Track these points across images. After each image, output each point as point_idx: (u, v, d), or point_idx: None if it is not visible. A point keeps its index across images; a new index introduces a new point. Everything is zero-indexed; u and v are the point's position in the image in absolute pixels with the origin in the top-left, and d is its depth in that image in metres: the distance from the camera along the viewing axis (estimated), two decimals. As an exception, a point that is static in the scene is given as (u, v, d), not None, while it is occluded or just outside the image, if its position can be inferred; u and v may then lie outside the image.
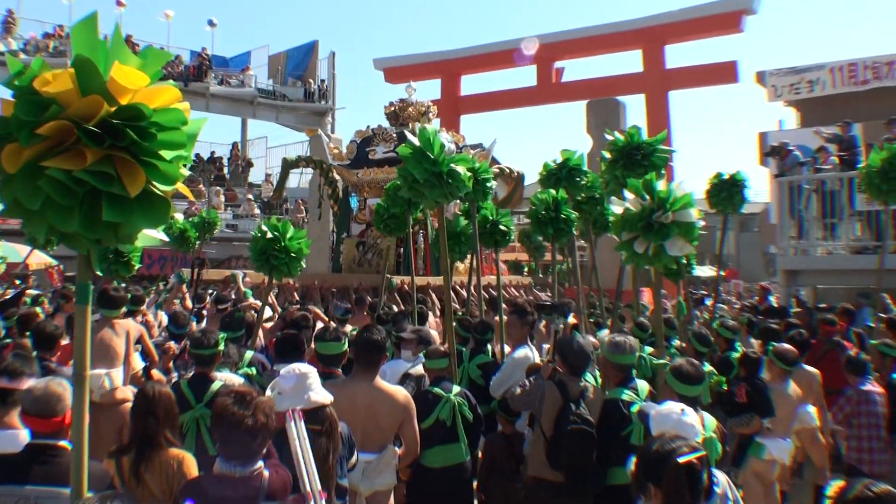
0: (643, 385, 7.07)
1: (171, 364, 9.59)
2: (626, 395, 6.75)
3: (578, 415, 6.51)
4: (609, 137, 9.19)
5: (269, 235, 9.18)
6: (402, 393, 6.63)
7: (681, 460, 3.92)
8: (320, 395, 5.43)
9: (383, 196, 13.14)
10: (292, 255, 9.28)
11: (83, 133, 3.21)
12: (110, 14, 45.70)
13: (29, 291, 18.91)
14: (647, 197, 6.83)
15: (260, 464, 4.42)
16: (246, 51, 47.90)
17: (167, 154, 3.45)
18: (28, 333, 9.21)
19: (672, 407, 5.10)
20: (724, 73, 35.20)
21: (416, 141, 7.67)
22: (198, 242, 17.66)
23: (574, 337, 7.28)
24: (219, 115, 44.00)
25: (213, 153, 45.91)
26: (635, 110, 28.05)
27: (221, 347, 7.30)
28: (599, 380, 8.10)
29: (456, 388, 7.56)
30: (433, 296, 15.59)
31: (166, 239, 3.82)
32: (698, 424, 5.03)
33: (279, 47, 48.02)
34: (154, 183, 3.45)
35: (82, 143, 3.22)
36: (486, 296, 15.60)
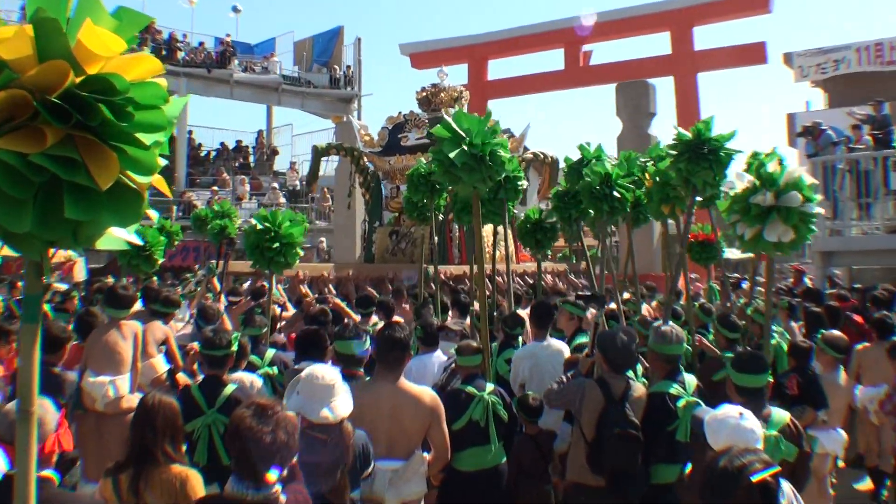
0: (691, 379, 6.82)
1: (195, 366, 9.13)
2: (674, 388, 6.50)
3: (623, 417, 6.21)
4: (675, 130, 8.87)
5: (259, 227, 8.83)
6: (428, 394, 6.13)
7: (754, 479, 3.59)
8: (337, 411, 5.01)
9: (406, 183, 12.85)
10: (287, 244, 8.89)
11: (42, 106, 2.46)
12: (134, 2, 45.51)
13: (57, 286, 18.75)
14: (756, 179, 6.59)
15: (277, 487, 3.91)
16: (271, 37, 47.73)
17: (144, 138, 2.79)
18: None
19: (729, 411, 4.76)
20: (753, 53, 34.82)
21: (451, 122, 7.34)
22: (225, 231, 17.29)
23: (617, 331, 6.83)
24: (243, 103, 43.93)
25: (239, 142, 45.96)
26: (664, 92, 27.76)
27: (235, 348, 6.96)
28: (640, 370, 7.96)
29: (490, 387, 7.18)
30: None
31: (137, 241, 3.23)
32: (759, 429, 4.71)
33: (304, 33, 47.94)
34: (128, 173, 2.79)
35: (40, 120, 2.48)
36: (522, 284, 15.38)
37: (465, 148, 7.07)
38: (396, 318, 10.87)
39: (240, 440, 3.82)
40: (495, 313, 10.67)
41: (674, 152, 8.44)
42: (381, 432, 5.75)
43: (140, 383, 8.42)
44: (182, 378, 8.79)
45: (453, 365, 7.80)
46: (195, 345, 9.32)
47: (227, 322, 10.41)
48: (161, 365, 8.81)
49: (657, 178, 9.56)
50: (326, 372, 5.18)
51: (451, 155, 6.97)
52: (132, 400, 7.56)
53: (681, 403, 6.32)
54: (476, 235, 8.11)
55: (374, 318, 11.20)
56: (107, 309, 8.48)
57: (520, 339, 9.48)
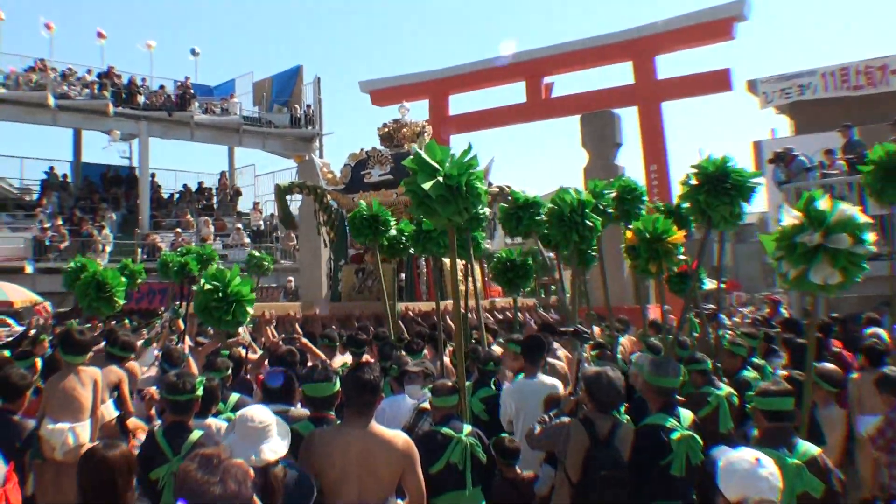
0: (686, 414, 6.56)
1: (152, 411, 8.85)
2: (669, 422, 6.25)
3: (610, 458, 5.96)
4: (699, 158, 8.64)
5: (207, 287, 8.52)
6: (401, 438, 5.70)
7: None
8: (263, 455, 4.91)
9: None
10: (235, 302, 8.58)
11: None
12: (93, 46, 45.35)
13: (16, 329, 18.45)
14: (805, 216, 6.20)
15: None
16: (230, 79, 47.69)
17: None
18: None
19: (744, 455, 4.47)
20: (718, 81, 34.71)
21: (423, 154, 7.05)
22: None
23: (602, 369, 6.51)
24: (205, 144, 43.83)
25: (201, 183, 46.04)
26: (629, 123, 27.75)
27: (200, 392, 6.61)
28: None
29: (467, 428, 6.82)
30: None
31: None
32: (776, 479, 4.42)
33: (263, 74, 47.83)
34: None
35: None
36: (492, 319, 15.13)
37: (441, 179, 6.80)
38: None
39: (186, 493, 3.52)
40: (480, 348, 10.35)
41: (693, 182, 8.26)
42: (351, 479, 5.44)
43: None
44: (133, 423, 8.48)
45: (421, 405, 7.57)
46: (153, 389, 9.06)
47: (192, 365, 10.11)
48: (110, 411, 8.44)
49: (645, 234, 9.30)
50: (260, 413, 5.13)
51: (426, 187, 6.69)
52: None
53: (675, 436, 6.10)
54: (451, 270, 7.84)
55: (346, 358, 10.86)
56: (63, 355, 8.09)
57: (493, 377, 9.19)
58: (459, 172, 6.87)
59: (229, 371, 8.76)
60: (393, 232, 12.45)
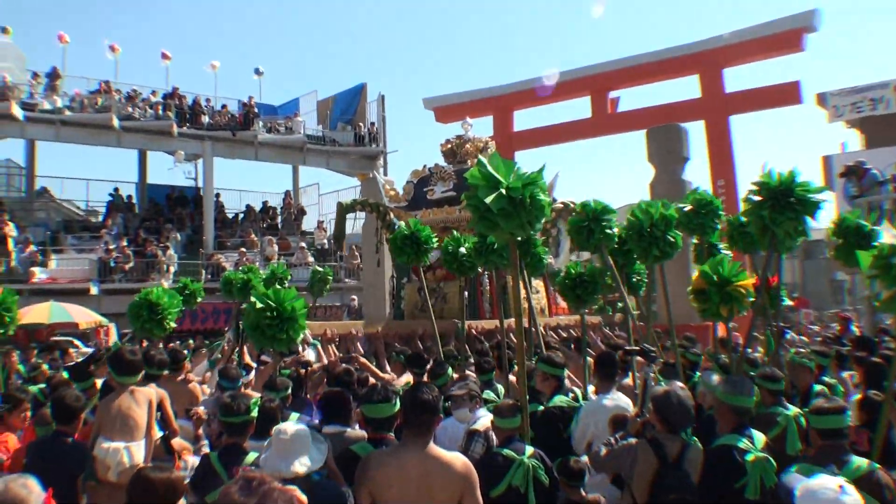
0: (759, 436, 6.29)
1: (200, 431, 8.75)
2: (742, 442, 5.98)
3: (679, 481, 5.71)
4: (762, 172, 8.34)
5: (259, 306, 8.29)
6: (460, 460, 5.47)
7: None
8: (304, 465, 5.09)
9: (448, 237, 12.36)
10: (288, 320, 8.34)
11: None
12: (158, 67, 45.79)
13: (84, 350, 18.41)
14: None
15: None
16: (294, 98, 48.07)
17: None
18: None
19: (826, 482, 4.13)
20: (787, 94, 34.27)
21: (487, 165, 6.77)
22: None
23: (671, 388, 6.25)
24: (269, 164, 43.94)
25: (265, 203, 46.51)
26: (695, 137, 27.37)
27: (255, 414, 6.51)
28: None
29: (529, 449, 6.53)
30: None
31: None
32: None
33: (327, 92, 48.01)
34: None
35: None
36: (556, 337, 14.83)
37: (503, 192, 6.52)
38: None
39: None
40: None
41: (756, 198, 7.98)
42: (408, 502, 5.21)
43: None
44: (176, 443, 8.29)
45: (472, 427, 7.42)
46: (200, 409, 9.03)
47: (251, 385, 10.01)
48: (154, 431, 8.24)
49: (713, 277, 8.97)
50: (293, 428, 5.26)
51: (487, 200, 6.41)
52: None
53: (749, 458, 5.83)
54: (513, 285, 7.57)
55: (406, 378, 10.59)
56: (115, 376, 7.88)
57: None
58: (523, 185, 6.59)
59: (289, 391, 8.59)
60: (462, 251, 12.11)
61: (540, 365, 8.95)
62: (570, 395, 8.85)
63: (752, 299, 9.21)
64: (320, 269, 19.53)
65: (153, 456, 7.82)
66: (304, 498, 3.56)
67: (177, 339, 22.40)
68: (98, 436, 7.51)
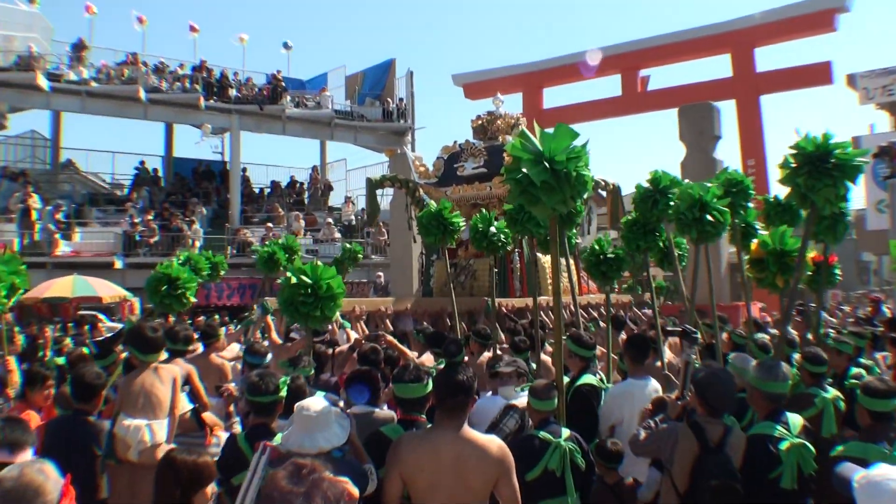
0: (796, 419, 6.17)
1: (231, 408, 8.69)
2: (778, 430, 5.90)
3: (721, 466, 5.54)
4: (797, 137, 8.19)
5: (294, 281, 8.11)
6: (496, 444, 5.30)
7: None
8: (328, 440, 5.08)
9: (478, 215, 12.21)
10: (324, 298, 8.12)
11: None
12: (186, 40, 45.78)
13: (111, 325, 18.35)
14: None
15: None
16: (322, 72, 47.94)
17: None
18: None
19: (888, 472, 3.87)
20: (819, 74, 34.11)
21: (533, 137, 6.59)
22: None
23: (714, 370, 6.18)
24: (296, 139, 43.99)
25: (292, 178, 46.44)
26: (725, 116, 27.13)
27: (283, 393, 6.34)
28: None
29: (566, 432, 6.31)
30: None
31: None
32: None
33: (356, 67, 47.90)
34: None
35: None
36: (586, 316, 14.71)
37: (547, 165, 6.34)
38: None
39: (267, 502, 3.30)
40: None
41: (793, 164, 7.81)
42: (441, 487, 5.09)
43: None
44: (208, 417, 8.12)
45: (510, 402, 7.25)
46: (231, 386, 8.97)
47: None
48: (184, 404, 8.09)
49: (774, 247, 8.82)
50: (317, 404, 5.23)
51: (531, 173, 6.24)
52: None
53: (784, 446, 5.77)
54: (553, 262, 7.34)
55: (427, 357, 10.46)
56: (135, 353, 7.67)
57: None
58: (567, 158, 6.42)
59: (312, 370, 8.48)
60: (493, 229, 11.95)
61: (568, 342, 8.83)
62: (598, 375, 8.73)
63: (809, 273, 9.12)
64: (349, 245, 19.46)
65: (184, 430, 7.70)
66: (355, 491, 3.46)
67: (202, 315, 22.35)
68: (119, 413, 7.33)
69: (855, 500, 3.89)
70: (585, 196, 7.12)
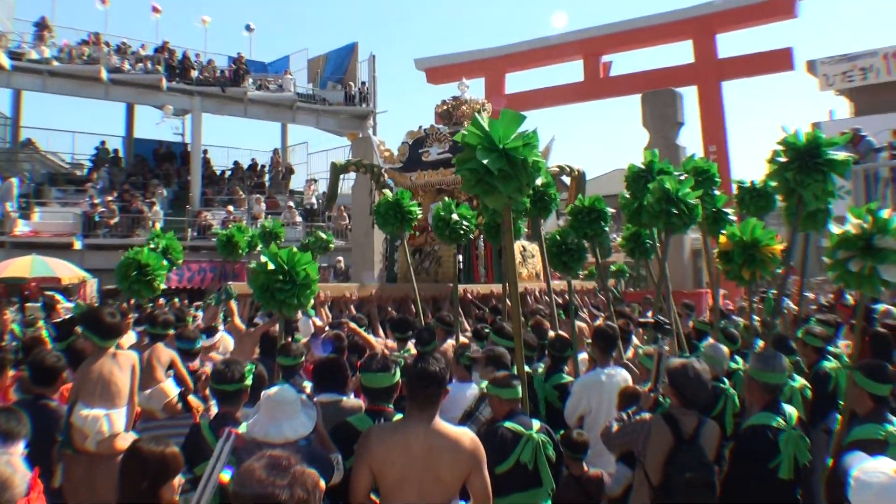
0: (791, 410, 6.18)
1: (207, 391, 8.43)
2: (776, 421, 5.89)
3: (695, 458, 5.54)
4: (783, 134, 8.26)
5: (271, 267, 8.02)
6: (467, 436, 5.19)
7: None
8: (294, 430, 5.09)
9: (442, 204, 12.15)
10: (300, 285, 8.08)
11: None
12: (148, 21, 45.40)
13: (69, 306, 18.19)
14: (869, 220, 6.33)
15: None
16: (284, 55, 47.77)
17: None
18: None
19: (881, 466, 3.76)
20: (780, 60, 34.29)
21: (484, 124, 6.52)
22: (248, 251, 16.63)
23: (688, 361, 6.09)
24: (258, 121, 43.74)
25: (253, 160, 46.24)
26: (688, 102, 27.20)
27: (249, 382, 6.22)
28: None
29: (536, 423, 6.24)
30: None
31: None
32: None
33: (318, 50, 47.66)
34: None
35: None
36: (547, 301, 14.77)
37: (501, 153, 6.29)
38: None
39: (248, 496, 3.17)
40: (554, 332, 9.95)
41: (781, 159, 7.89)
42: (412, 480, 5.01)
43: (151, 408, 7.80)
44: (193, 401, 8.07)
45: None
46: (207, 369, 8.80)
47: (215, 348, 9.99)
48: (172, 388, 8.03)
49: (742, 239, 9.07)
50: (283, 392, 5.23)
51: (486, 161, 6.18)
52: (127, 440, 6.58)
53: (783, 437, 5.78)
54: (507, 251, 7.31)
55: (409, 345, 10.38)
56: (94, 338, 7.50)
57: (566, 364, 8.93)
58: (522, 144, 6.38)
59: (303, 357, 8.28)
60: (455, 217, 11.89)
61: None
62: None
63: (779, 267, 9.20)
64: (323, 235, 19.46)
65: (172, 414, 7.68)
66: (321, 482, 3.42)
67: (161, 297, 22.18)
68: (76, 402, 7.12)
69: (849, 495, 3.88)
70: (539, 181, 7.16)
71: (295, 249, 8.26)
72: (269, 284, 7.97)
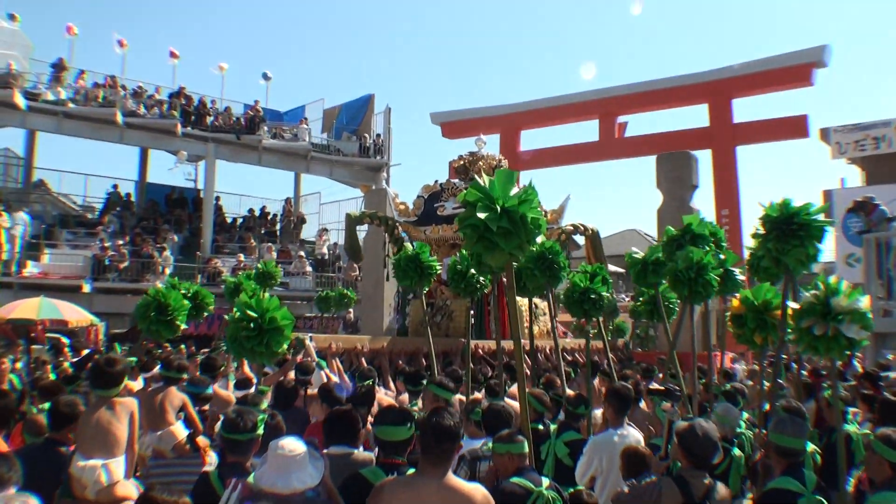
0: (811, 476, 6.09)
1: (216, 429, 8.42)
2: (796, 486, 5.84)
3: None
4: (761, 207, 8.32)
5: (238, 315, 7.85)
6: (480, 493, 5.15)
7: None
8: (302, 481, 5.02)
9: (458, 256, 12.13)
10: (269, 330, 7.84)
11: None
12: (165, 66, 45.55)
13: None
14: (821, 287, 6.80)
15: None
16: (300, 105, 47.92)
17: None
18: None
19: None
20: (795, 127, 34.31)
21: (485, 183, 6.53)
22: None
23: (696, 421, 6.11)
24: (271, 170, 43.86)
25: (264, 208, 46.20)
26: (702, 165, 27.20)
27: (261, 431, 6.10)
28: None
29: (545, 480, 6.09)
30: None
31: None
32: None
33: (334, 101, 47.78)
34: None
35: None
36: (565, 360, 14.69)
37: (501, 211, 6.29)
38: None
39: None
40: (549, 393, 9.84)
41: (761, 231, 7.99)
42: (424, 539, 4.88)
43: (161, 449, 7.92)
44: (202, 441, 7.95)
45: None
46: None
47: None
48: (181, 430, 8.12)
49: (753, 303, 9.06)
50: (290, 443, 5.16)
51: (485, 217, 6.17)
52: (127, 487, 6.80)
53: (802, 502, 5.73)
54: (511, 308, 7.28)
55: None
56: (93, 388, 7.49)
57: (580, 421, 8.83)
58: (520, 202, 6.38)
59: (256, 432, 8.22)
60: (472, 271, 11.84)
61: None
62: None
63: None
64: (344, 290, 19.44)
65: (181, 455, 7.58)
66: None
67: (168, 344, 22.10)
68: (75, 452, 7.12)
69: None
70: (540, 239, 7.17)
71: (263, 296, 8.17)
72: (236, 334, 7.88)
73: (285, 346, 8.33)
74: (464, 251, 11.97)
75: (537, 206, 6.61)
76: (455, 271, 11.91)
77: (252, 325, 7.76)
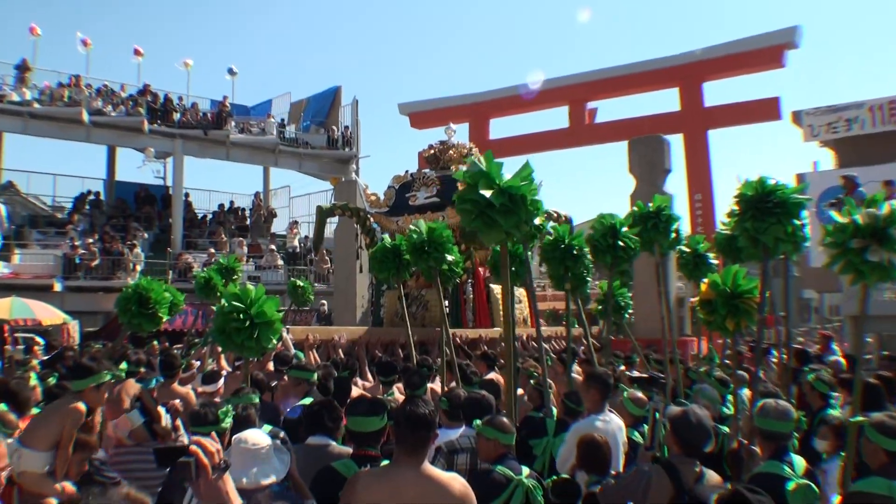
0: (799, 461, 6.04)
1: (178, 422, 8.14)
2: (784, 470, 5.74)
3: (697, 509, 5.30)
4: (738, 183, 8.16)
5: (227, 308, 7.68)
6: (458, 482, 5.07)
7: None
8: (266, 475, 4.83)
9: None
10: (259, 325, 7.69)
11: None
12: (130, 64, 45.20)
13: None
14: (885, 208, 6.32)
15: None
16: (267, 99, 47.93)
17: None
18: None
19: None
20: (767, 110, 34.41)
21: (482, 164, 6.42)
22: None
23: (688, 408, 5.97)
24: (240, 165, 43.67)
25: (232, 203, 46.15)
26: (674, 150, 27.14)
27: (228, 423, 6.04)
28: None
29: (525, 469, 6.02)
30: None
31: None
32: None
33: (301, 94, 47.82)
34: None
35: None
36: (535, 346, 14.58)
37: (502, 189, 6.20)
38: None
39: None
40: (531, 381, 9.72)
41: (737, 211, 7.88)
42: (402, 527, 4.78)
43: (118, 437, 7.70)
44: (159, 428, 7.83)
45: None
46: (177, 402, 8.62)
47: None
48: (136, 418, 7.87)
49: (724, 289, 8.78)
50: (254, 436, 5.01)
51: (487, 195, 6.05)
52: (45, 483, 6.78)
53: (790, 486, 5.57)
54: (504, 289, 7.20)
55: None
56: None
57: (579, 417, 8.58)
58: (521, 182, 6.28)
59: (257, 399, 8.11)
60: (450, 257, 11.64)
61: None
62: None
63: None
64: (301, 283, 19.19)
65: (138, 441, 7.42)
66: None
67: (143, 342, 22.00)
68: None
69: None
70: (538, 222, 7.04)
71: (251, 288, 7.99)
72: (226, 326, 7.70)
73: (275, 341, 8.19)
74: (422, 222, 11.71)
75: (536, 189, 6.52)
76: (415, 247, 11.62)
77: (242, 316, 7.60)
